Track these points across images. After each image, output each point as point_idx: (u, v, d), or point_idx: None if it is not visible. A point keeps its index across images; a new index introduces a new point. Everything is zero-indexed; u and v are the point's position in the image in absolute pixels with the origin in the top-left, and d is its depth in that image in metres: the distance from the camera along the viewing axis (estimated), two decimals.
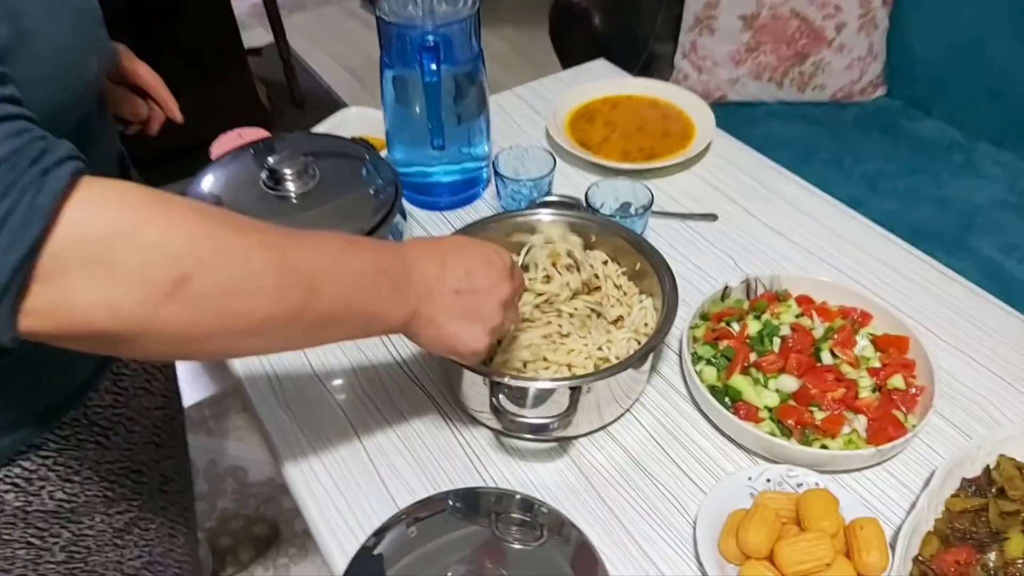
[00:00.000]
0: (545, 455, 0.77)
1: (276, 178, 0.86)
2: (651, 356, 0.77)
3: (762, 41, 1.64)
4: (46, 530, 0.71)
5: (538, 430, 0.68)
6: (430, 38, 0.89)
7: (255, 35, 2.75)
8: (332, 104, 2.73)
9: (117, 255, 0.41)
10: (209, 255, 0.43)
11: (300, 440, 0.79)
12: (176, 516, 0.90)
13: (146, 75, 0.84)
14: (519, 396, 0.70)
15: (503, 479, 0.75)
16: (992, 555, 0.65)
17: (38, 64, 0.50)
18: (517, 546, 0.69)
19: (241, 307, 0.45)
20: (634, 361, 0.71)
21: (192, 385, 1.87)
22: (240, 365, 0.87)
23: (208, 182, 0.89)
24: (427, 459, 0.77)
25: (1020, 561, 0.64)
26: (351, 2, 3.11)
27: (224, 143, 1.00)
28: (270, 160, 0.86)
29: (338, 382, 0.84)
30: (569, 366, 0.75)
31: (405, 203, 1.01)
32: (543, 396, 0.70)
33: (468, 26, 0.92)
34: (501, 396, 0.69)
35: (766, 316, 0.85)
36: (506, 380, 0.69)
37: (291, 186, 0.86)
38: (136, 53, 0.84)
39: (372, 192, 0.89)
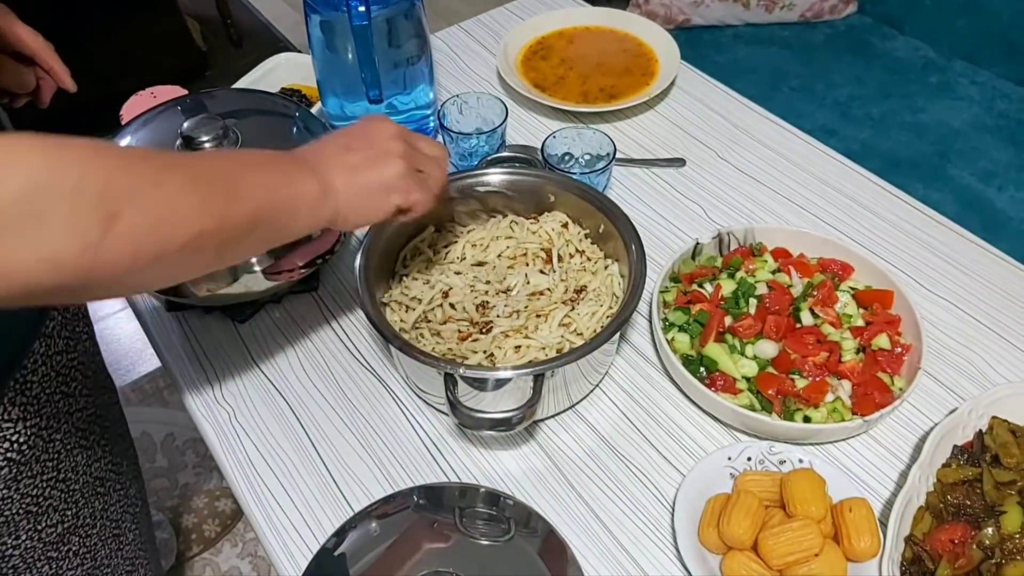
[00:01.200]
0: (509, 441, 0.71)
1: (191, 144, 0.76)
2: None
3: None
4: None
5: (499, 425, 0.62)
6: None
7: None
8: (273, 41, 2.56)
9: (44, 209, 0.39)
10: (130, 187, 0.42)
11: (240, 439, 0.72)
12: (119, 513, 0.84)
13: (29, 39, 0.72)
14: (477, 388, 0.64)
15: (465, 471, 0.69)
16: (989, 531, 0.60)
17: None
18: (485, 542, 0.64)
19: (173, 228, 0.45)
20: (601, 341, 0.64)
21: (142, 355, 1.78)
22: (169, 355, 0.79)
23: None
24: (383, 454, 0.70)
25: (1018, 536, 0.60)
26: None
27: (135, 104, 0.89)
28: (185, 125, 0.76)
29: (281, 371, 0.77)
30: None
31: None
32: (504, 386, 0.63)
33: None
34: (457, 389, 0.63)
35: (740, 274, 0.78)
36: (461, 371, 0.62)
37: (208, 147, 0.76)
38: None
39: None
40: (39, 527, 0.70)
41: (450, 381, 0.62)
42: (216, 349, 0.79)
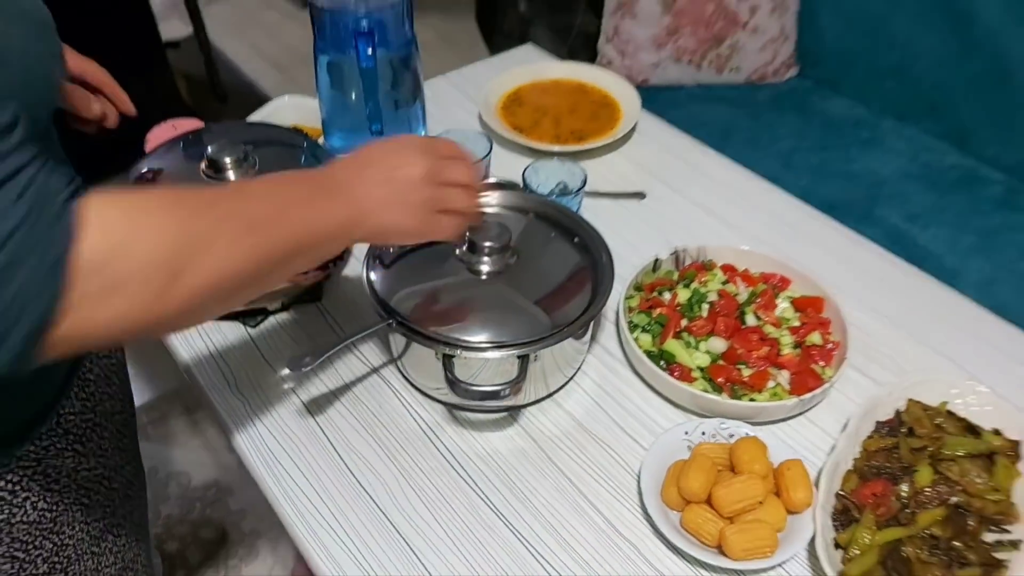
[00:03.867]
0: (496, 425, 0.81)
1: (216, 167, 0.87)
2: (591, 326, 0.82)
3: (681, 24, 1.71)
4: (29, 542, 0.70)
5: (491, 397, 0.72)
6: (364, 23, 0.92)
7: (173, 27, 2.68)
8: (256, 97, 2.69)
9: (121, 275, 0.45)
10: (191, 248, 0.48)
11: (256, 425, 0.81)
12: (140, 520, 0.90)
13: (95, 71, 0.83)
14: (472, 366, 0.74)
15: (458, 449, 0.79)
16: (904, 486, 0.72)
17: (11, 79, 0.50)
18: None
19: (226, 275, 0.51)
20: (576, 329, 0.75)
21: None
22: (189, 358, 0.88)
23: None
24: (383, 435, 0.80)
25: (928, 489, 0.71)
26: None
27: (159, 134, 1.00)
28: (210, 149, 0.87)
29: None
30: None
31: None
32: (494, 364, 0.74)
33: (401, 11, 0.95)
34: (455, 367, 0.73)
35: (694, 285, 0.90)
36: (459, 353, 0.73)
37: (231, 175, 0.87)
38: None
39: None
40: (88, 520, 0.74)
41: (449, 360, 0.73)
42: (231, 351, 0.88)
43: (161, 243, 0.47)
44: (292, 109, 1.18)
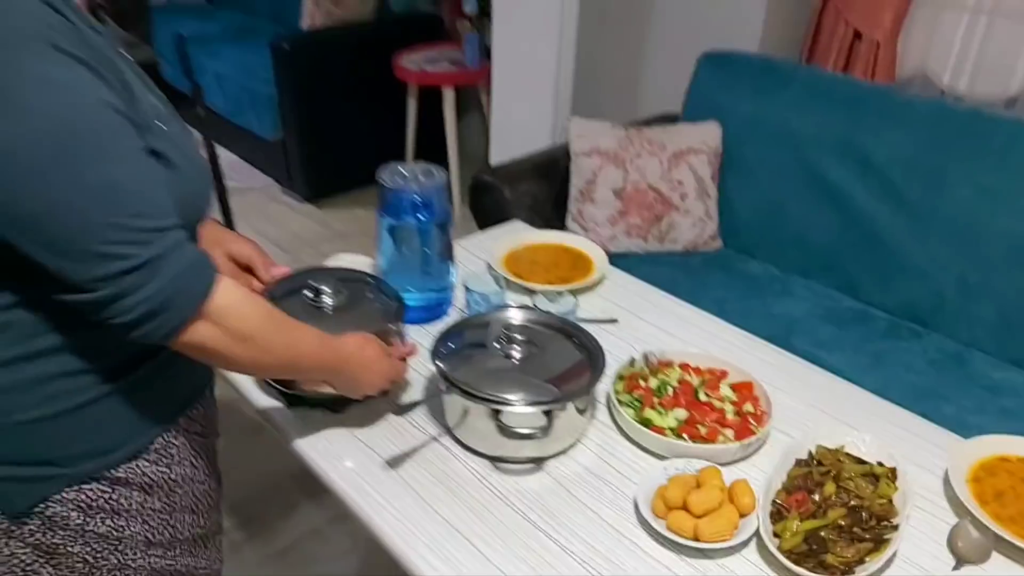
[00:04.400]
0: (527, 471, 1.11)
1: (316, 292, 1.20)
2: (591, 403, 1.15)
3: (629, 208, 2.17)
4: (99, 552, 0.93)
5: (527, 437, 1.03)
6: (418, 198, 1.31)
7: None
8: None
9: (231, 323, 0.85)
10: (264, 334, 0.90)
11: (365, 485, 1.09)
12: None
13: (247, 253, 1.19)
14: (516, 417, 1.06)
15: (503, 488, 1.08)
16: (816, 495, 1.04)
17: (182, 192, 0.84)
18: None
19: (268, 361, 0.93)
20: (583, 392, 1.09)
21: None
22: (302, 440, 1.17)
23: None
24: (448, 481, 1.09)
25: (833, 497, 1.04)
26: (273, 189, 3.53)
27: (274, 272, 1.33)
28: (310, 281, 1.21)
29: (372, 436, 1.16)
30: None
31: None
32: (531, 416, 1.06)
33: (443, 190, 1.34)
34: (503, 418, 1.05)
35: (661, 375, 1.25)
36: (506, 409, 1.05)
37: (327, 300, 1.20)
38: None
39: (380, 305, 1.25)
40: (148, 553, 0.97)
41: (497, 414, 1.04)
42: (318, 427, 1.17)
43: (254, 323, 0.88)
44: (346, 262, 1.54)
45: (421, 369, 1.28)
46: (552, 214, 2.23)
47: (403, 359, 1.17)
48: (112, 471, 0.91)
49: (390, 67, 3.36)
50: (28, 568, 0.90)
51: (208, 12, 4.54)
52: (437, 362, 1.13)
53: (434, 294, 1.42)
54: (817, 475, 1.07)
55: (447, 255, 1.40)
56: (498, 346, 1.16)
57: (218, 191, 2.74)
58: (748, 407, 1.20)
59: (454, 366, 1.12)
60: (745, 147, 2.23)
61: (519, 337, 1.16)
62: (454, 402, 1.11)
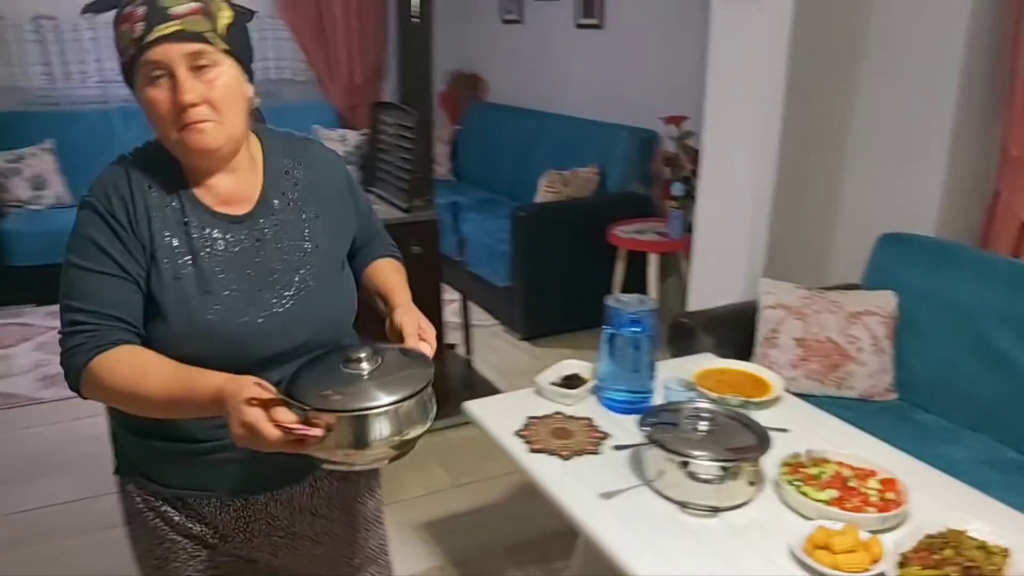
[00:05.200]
0: (708, 516, 1.49)
1: (347, 360, 1.07)
2: (760, 477, 1.53)
3: (809, 355, 2.52)
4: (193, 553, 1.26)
5: (708, 482, 1.43)
6: (636, 316, 1.80)
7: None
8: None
9: (103, 379, 1.09)
10: (135, 378, 1.08)
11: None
12: None
13: (405, 326, 1.21)
14: (702, 466, 1.46)
15: (689, 525, 1.47)
16: (936, 555, 1.33)
17: (170, 330, 1.14)
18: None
19: (124, 399, 1.11)
20: (753, 458, 1.47)
21: None
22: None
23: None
24: (644, 516, 1.50)
25: (951, 557, 1.32)
26: (496, 327, 4.18)
27: None
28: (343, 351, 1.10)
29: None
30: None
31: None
32: (712, 467, 1.46)
33: (653, 312, 1.83)
34: (689, 466, 1.45)
35: (819, 468, 1.60)
36: (699, 461, 1.46)
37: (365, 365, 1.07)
38: None
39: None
40: None
41: (689, 466, 1.46)
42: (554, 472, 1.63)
43: (126, 375, 1.07)
44: (571, 367, 2.04)
45: (624, 438, 1.71)
46: (738, 355, 2.63)
47: (291, 431, 0.98)
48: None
49: (604, 234, 4.00)
50: None
51: (458, 186, 5.57)
52: (643, 427, 1.57)
53: (640, 394, 1.88)
54: (940, 543, 1.36)
55: (652, 364, 1.87)
56: (688, 423, 1.58)
57: (464, 327, 3.44)
58: (890, 495, 1.51)
59: (655, 432, 1.56)
60: (919, 313, 2.54)
61: (705, 418, 1.58)
62: (655, 456, 1.54)
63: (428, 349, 1.18)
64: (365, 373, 1.05)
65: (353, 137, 5.53)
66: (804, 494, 1.51)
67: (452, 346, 3.49)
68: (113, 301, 1.12)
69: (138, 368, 1.08)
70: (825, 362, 2.53)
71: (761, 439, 1.57)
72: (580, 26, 4.79)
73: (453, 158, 5.90)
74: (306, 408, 1.00)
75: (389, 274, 1.39)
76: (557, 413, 1.89)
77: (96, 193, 1.15)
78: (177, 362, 1.09)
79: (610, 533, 1.44)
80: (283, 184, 1.26)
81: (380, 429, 1.03)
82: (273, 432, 0.97)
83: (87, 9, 1.14)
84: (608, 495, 1.55)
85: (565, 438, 1.77)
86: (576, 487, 1.59)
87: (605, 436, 1.77)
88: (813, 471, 1.59)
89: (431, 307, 3.18)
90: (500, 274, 4.21)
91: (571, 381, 2.01)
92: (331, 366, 1.08)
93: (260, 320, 1.17)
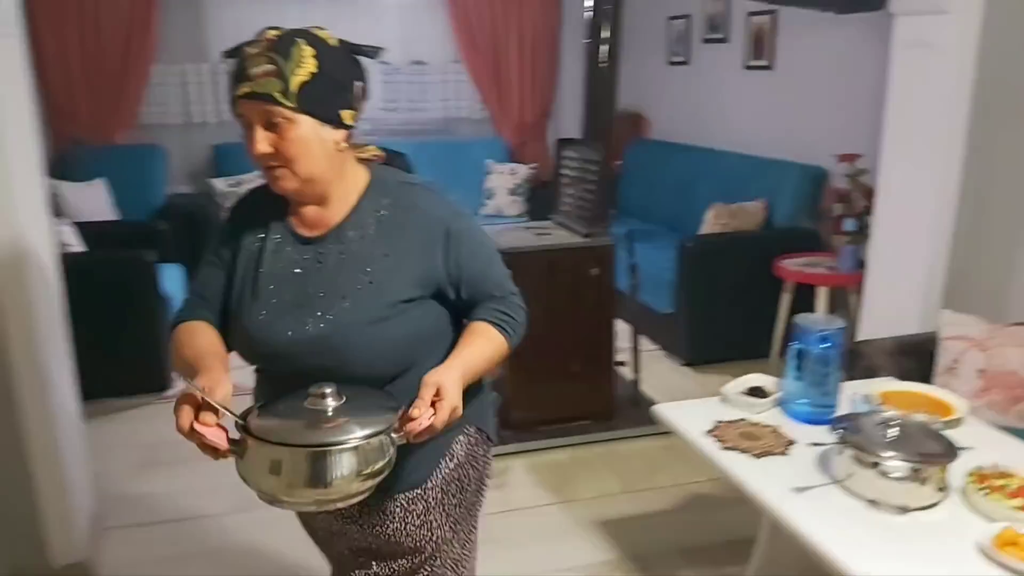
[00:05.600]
0: (898, 514, 1.63)
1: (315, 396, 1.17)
2: (946, 484, 1.64)
3: (991, 387, 2.55)
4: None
5: (899, 480, 1.57)
6: (824, 334, 1.96)
7: None
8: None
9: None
10: (175, 339, 1.35)
11: None
12: None
13: (426, 387, 1.21)
14: (892, 466, 1.61)
15: (877, 521, 1.61)
16: None
17: (241, 327, 1.37)
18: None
19: (175, 355, 1.34)
20: (941, 462, 1.60)
21: None
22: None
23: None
24: (836, 508, 1.65)
25: None
26: (658, 353, 4.35)
27: None
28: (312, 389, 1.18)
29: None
30: None
31: None
32: (902, 467, 1.60)
33: (841, 331, 1.98)
34: (879, 466, 1.60)
35: (1004, 479, 1.69)
36: (890, 461, 1.61)
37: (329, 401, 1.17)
38: None
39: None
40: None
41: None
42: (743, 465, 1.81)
43: (179, 341, 1.34)
44: (754, 380, 2.22)
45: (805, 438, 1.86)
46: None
47: (202, 436, 1.13)
48: None
49: (769, 268, 4.11)
50: None
51: (619, 218, 5.82)
52: (836, 429, 1.73)
53: (825, 408, 2.03)
54: None
55: (838, 379, 2.01)
56: (878, 430, 1.73)
57: (633, 350, 3.67)
58: None
59: (847, 435, 1.71)
60: None
61: (894, 426, 1.72)
62: (846, 456, 1.69)
63: (423, 414, 1.18)
64: (328, 410, 1.16)
65: (522, 171, 5.93)
66: (994, 500, 1.62)
67: (621, 363, 3.71)
68: (208, 287, 1.41)
69: (185, 340, 1.33)
70: (1008, 394, 2.54)
71: (948, 447, 1.69)
72: (749, 67, 4.96)
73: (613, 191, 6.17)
74: (239, 423, 1.17)
75: (467, 335, 1.38)
76: (742, 419, 2.07)
77: (231, 206, 1.49)
78: (208, 348, 1.31)
79: (806, 523, 1.61)
80: (366, 219, 1.34)
81: (294, 466, 1.10)
82: (184, 425, 1.12)
83: (224, 54, 1.29)
84: (800, 489, 1.71)
85: (754, 440, 1.94)
86: (768, 482, 1.76)
87: (791, 441, 1.94)
88: (999, 482, 1.68)
89: (604, 324, 3.45)
90: (663, 301, 4.40)
91: (755, 392, 2.18)
92: (306, 401, 1.18)
93: (290, 333, 1.29)
